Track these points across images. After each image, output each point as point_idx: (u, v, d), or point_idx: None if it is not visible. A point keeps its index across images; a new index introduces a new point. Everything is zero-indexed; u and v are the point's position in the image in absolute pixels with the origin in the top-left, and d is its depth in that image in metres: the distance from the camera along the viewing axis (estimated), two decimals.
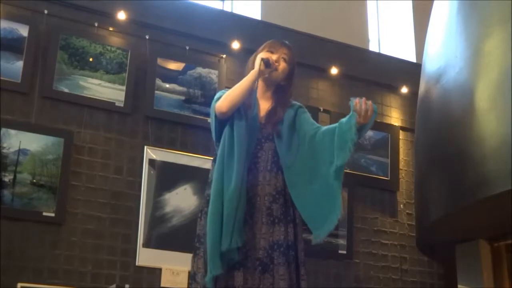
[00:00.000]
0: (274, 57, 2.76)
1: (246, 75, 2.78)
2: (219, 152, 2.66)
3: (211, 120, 2.77)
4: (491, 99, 3.35)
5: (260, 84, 2.78)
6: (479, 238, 3.99)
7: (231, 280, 2.50)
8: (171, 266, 4.24)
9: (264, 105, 2.79)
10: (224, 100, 2.64)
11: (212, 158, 2.76)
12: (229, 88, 2.76)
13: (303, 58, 5.12)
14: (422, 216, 4.00)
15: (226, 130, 2.67)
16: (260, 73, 2.70)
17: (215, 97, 2.75)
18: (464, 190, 3.41)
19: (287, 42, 2.88)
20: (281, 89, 2.84)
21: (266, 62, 2.70)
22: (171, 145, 4.53)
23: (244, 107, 2.68)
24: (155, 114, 4.52)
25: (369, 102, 2.57)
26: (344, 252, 4.87)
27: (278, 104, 2.80)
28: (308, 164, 2.70)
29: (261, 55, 2.76)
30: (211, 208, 2.56)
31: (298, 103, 2.90)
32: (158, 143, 4.50)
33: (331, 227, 2.61)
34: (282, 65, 2.79)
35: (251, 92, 2.69)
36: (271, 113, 2.77)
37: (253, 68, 2.76)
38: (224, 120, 2.68)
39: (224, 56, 4.80)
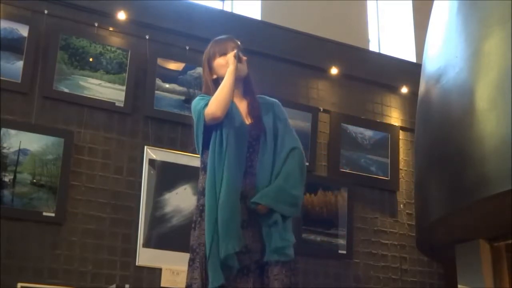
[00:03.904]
0: (230, 56, 2.73)
1: (206, 82, 2.78)
2: (209, 161, 2.63)
3: (195, 129, 2.73)
4: (491, 99, 3.35)
5: None
6: (479, 238, 3.98)
7: (240, 284, 2.51)
8: (171, 266, 4.24)
9: (243, 106, 2.76)
10: (215, 105, 2.61)
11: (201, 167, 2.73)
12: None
13: (303, 58, 5.16)
14: (422, 216, 4.00)
15: (216, 138, 2.64)
16: (237, 70, 2.68)
17: (197, 105, 2.71)
18: (464, 190, 3.41)
19: (227, 36, 2.86)
20: (246, 82, 2.81)
21: (238, 57, 2.69)
22: (171, 145, 4.53)
23: (228, 112, 2.66)
24: (155, 114, 4.52)
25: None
26: (344, 252, 4.87)
27: (250, 95, 2.79)
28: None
29: (222, 60, 2.74)
30: (207, 218, 2.55)
31: (272, 100, 2.86)
32: (158, 143, 4.50)
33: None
34: (242, 58, 2.76)
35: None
36: (250, 106, 2.75)
37: (211, 74, 2.77)
38: (211, 128, 2.66)
39: None
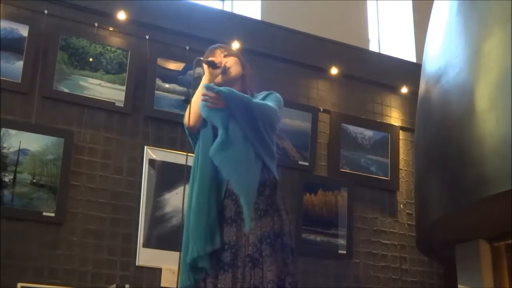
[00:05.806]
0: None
1: None
2: (192, 166, 2.73)
3: (187, 136, 2.84)
4: (491, 99, 3.35)
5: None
6: (479, 238, 3.99)
7: (220, 282, 2.52)
8: (171, 266, 4.23)
9: None
10: (186, 115, 2.74)
11: None
12: None
13: (303, 58, 5.16)
14: (422, 216, 4.00)
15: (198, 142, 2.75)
16: (212, 76, 2.79)
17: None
18: (464, 190, 3.41)
19: (217, 44, 2.96)
20: (242, 82, 2.89)
21: (210, 63, 2.77)
22: (171, 145, 4.53)
23: None
24: (155, 114, 4.52)
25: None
26: (344, 252, 4.87)
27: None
28: None
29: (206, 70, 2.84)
30: (185, 221, 2.63)
31: (268, 92, 2.92)
32: (158, 143, 4.50)
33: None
34: (227, 60, 2.83)
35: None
36: None
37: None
38: (196, 134, 2.77)
39: None
